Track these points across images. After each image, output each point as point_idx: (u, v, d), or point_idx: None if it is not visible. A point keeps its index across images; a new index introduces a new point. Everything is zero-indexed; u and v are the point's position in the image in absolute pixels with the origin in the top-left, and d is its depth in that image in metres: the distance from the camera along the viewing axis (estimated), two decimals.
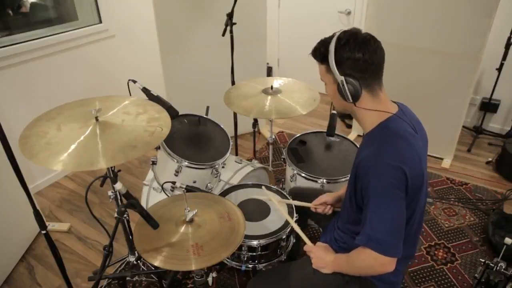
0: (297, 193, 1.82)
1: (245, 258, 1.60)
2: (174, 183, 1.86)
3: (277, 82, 2.24)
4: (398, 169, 1.11)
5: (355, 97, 1.18)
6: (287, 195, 1.80)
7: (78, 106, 1.51)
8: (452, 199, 2.68)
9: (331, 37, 1.20)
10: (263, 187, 1.83)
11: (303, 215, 1.77)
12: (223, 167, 2.00)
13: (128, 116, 1.46)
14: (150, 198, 2.03)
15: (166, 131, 1.40)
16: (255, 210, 1.72)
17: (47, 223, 1.58)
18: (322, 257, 1.36)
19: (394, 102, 1.29)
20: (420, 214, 1.29)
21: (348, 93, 1.17)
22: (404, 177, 1.12)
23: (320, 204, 1.62)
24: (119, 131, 1.37)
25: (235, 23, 2.24)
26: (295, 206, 1.72)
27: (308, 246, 1.43)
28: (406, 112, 1.29)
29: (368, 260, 1.19)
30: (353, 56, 1.15)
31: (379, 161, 1.13)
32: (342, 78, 1.16)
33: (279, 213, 1.65)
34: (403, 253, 1.27)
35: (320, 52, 1.22)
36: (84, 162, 1.23)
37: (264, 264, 1.63)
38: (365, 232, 1.17)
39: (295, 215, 1.68)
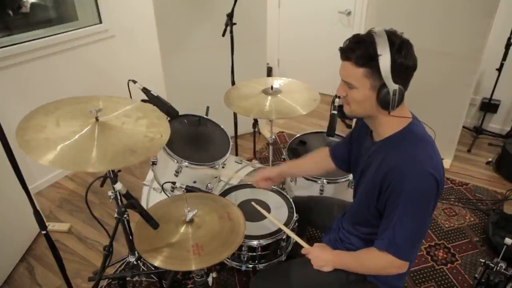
0: (297, 202, 1.81)
1: (245, 258, 1.60)
2: (174, 183, 1.86)
3: (277, 82, 2.24)
4: (433, 178, 1.09)
5: (398, 106, 1.12)
6: (290, 198, 1.80)
7: (78, 103, 1.49)
8: (452, 199, 2.68)
9: (371, 37, 1.07)
10: (253, 203, 1.72)
11: (303, 223, 1.77)
12: (223, 167, 2.00)
13: (128, 119, 1.45)
14: (150, 198, 2.02)
15: (165, 138, 1.40)
16: (255, 210, 1.72)
17: (47, 223, 1.58)
18: (320, 256, 1.36)
19: None
20: (430, 219, 1.29)
21: (396, 103, 1.09)
22: (436, 185, 1.11)
23: (263, 180, 1.60)
24: (118, 134, 1.36)
25: (235, 23, 2.24)
26: (295, 206, 1.73)
27: (305, 248, 1.42)
28: (414, 117, 1.27)
29: (382, 263, 1.20)
30: (406, 63, 1.07)
31: (416, 168, 1.10)
32: (397, 87, 1.07)
33: (273, 221, 1.63)
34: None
35: (365, 54, 1.06)
36: (84, 162, 1.22)
37: (264, 264, 1.63)
38: (387, 236, 1.16)
39: (295, 215, 1.68)
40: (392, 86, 1.07)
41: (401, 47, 1.06)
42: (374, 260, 1.22)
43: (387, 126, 1.19)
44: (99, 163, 1.22)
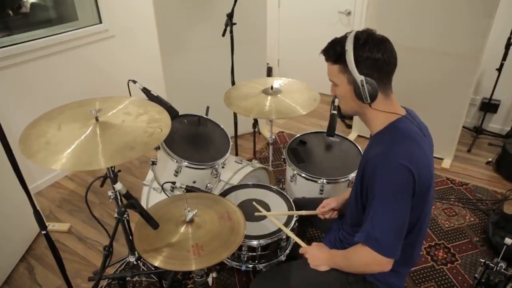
0: (300, 204, 1.81)
1: (245, 258, 1.60)
2: (174, 183, 1.86)
3: (277, 82, 2.24)
4: (407, 170, 1.10)
5: (373, 98, 1.16)
6: (290, 198, 1.79)
7: (79, 106, 1.51)
8: (452, 199, 2.68)
9: (344, 37, 1.17)
10: (254, 203, 1.74)
11: (304, 223, 1.77)
12: (223, 167, 2.00)
13: (129, 117, 1.46)
14: (150, 198, 2.03)
15: (165, 132, 1.40)
16: (255, 210, 1.72)
17: (47, 223, 1.58)
18: (316, 255, 1.37)
19: (402, 106, 1.29)
20: (426, 219, 1.28)
21: (367, 94, 1.15)
22: (412, 179, 1.11)
23: (329, 211, 1.61)
24: (118, 132, 1.37)
25: (235, 23, 2.24)
26: (295, 208, 1.73)
27: (303, 248, 1.43)
28: (413, 115, 1.29)
29: (365, 258, 1.19)
30: (373, 56, 1.13)
31: (388, 160, 1.12)
32: (362, 77, 1.13)
33: (273, 221, 1.63)
34: (409, 259, 1.27)
35: (335, 52, 1.18)
36: (83, 162, 1.23)
37: (264, 264, 1.63)
38: (365, 229, 1.17)
39: (295, 215, 1.68)
40: (359, 78, 1.14)
41: (366, 42, 1.13)
42: (358, 256, 1.23)
43: (374, 121, 1.24)
44: (102, 161, 1.24)
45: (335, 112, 1.93)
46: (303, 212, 1.69)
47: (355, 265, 1.26)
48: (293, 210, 1.72)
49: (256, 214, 1.69)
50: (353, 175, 1.97)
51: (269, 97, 2.07)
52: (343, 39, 1.17)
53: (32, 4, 2.72)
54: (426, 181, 1.16)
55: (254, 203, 1.73)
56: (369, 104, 1.18)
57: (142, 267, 2.06)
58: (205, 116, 2.19)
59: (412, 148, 1.15)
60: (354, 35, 1.15)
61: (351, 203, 1.36)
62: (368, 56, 1.13)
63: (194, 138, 2.07)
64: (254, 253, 1.59)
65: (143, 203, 2.02)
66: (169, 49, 2.82)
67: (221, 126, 2.15)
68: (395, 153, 1.12)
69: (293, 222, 1.65)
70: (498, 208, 2.56)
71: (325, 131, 2.08)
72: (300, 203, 1.79)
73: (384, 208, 1.14)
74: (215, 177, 1.96)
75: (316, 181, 1.94)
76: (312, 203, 1.80)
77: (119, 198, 1.73)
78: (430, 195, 1.23)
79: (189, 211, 1.31)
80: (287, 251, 1.69)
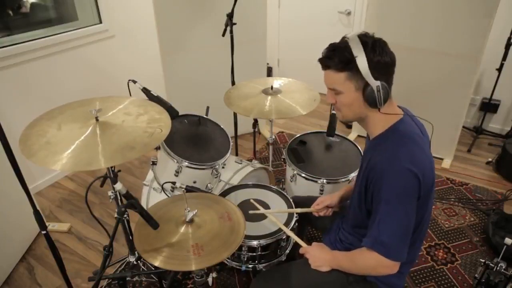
0: (298, 202, 1.81)
1: (245, 258, 1.60)
2: (174, 183, 1.86)
3: (277, 82, 2.24)
4: (412, 174, 1.10)
5: (385, 102, 1.14)
6: (290, 198, 1.80)
7: (79, 106, 1.51)
8: (452, 199, 2.68)
9: (345, 42, 1.13)
10: (251, 200, 1.75)
11: (303, 222, 1.77)
12: (223, 167, 2.00)
13: (129, 117, 1.46)
14: (150, 198, 2.02)
15: (165, 132, 1.40)
16: (254, 209, 1.72)
17: (47, 223, 1.58)
18: (317, 255, 1.37)
19: (398, 106, 1.28)
20: (428, 218, 1.29)
21: (382, 99, 1.12)
22: (417, 183, 1.11)
23: (324, 208, 1.61)
24: (118, 132, 1.37)
25: (235, 23, 2.24)
26: (294, 206, 1.73)
27: (303, 248, 1.43)
28: (410, 114, 1.28)
29: (372, 262, 1.20)
30: (383, 60, 1.11)
31: (393, 165, 1.12)
32: (378, 83, 1.11)
33: (273, 220, 1.63)
34: (410, 257, 1.27)
35: (343, 58, 1.12)
36: (83, 162, 1.23)
37: (264, 264, 1.63)
38: (372, 234, 1.17)
39: (295, 215, 1.68)
40: (374, 83, 1.11)
41: (374, 46, 1.11)
42: (365, 260, 1.23)
43: (376, 125, 1.23)
44: (102, 161, 1.24)
45: (335, 112, 1.93)
46: (298, 210, 1.69)
47: (361, 267, 1.27)
48: (292, 209, 1.72)
49: (251, 212, 1.69)
50: (353, 175, 1.97)
51: (269, 97, 2.07)
52: (346, 44, 1.12)
53: (32, 4, 2.72)
54: (429, 182, 1.17)
55: (251, 200, 1.73)
56: (379, 108, 1.16)
57: (142, 267, 2.05)
58: (205, 116, 2.19)
59: (415, 150, 1.15)
60: (360, 40, 1.11)
61: (354, 206, 1.35)
62: (379, 60, 1.11)
63: (194, 138, 2.07)
64: (254, 253, 1.59)
65: (143, 203, 2.02)
66: (169, 49, 2.82)
67: (221, 126, 2.15)
68: (399, 158, 1.12)
69: (293, 222, 1.65)
70: (498, 208, 2.56)
71: (325, 131, 2.08)
72: (299, 201, 1.79)
73: (390, 213, 1.13)
74: (216, 177, 1.96)
75: (316, 181, 1.94)
76: (312, 201, 1.80)
77: (119, 198, 1.73)
78: (432, 195, 1.24)
79: (189, 211, 1.31)
80: (287, 251, 1.69)
